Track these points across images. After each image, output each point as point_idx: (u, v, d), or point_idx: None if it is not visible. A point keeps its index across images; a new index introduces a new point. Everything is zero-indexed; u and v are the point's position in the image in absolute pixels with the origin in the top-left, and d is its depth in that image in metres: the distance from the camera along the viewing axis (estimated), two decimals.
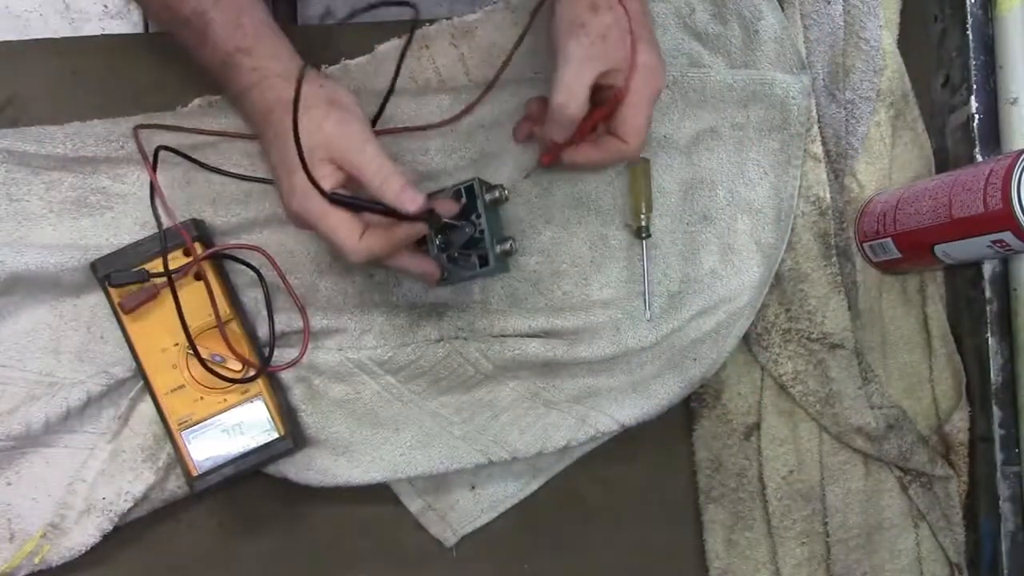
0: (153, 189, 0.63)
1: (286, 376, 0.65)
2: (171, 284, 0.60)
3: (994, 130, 0.68)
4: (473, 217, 0.60)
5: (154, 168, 0.63)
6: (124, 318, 0.62)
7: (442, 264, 0.60)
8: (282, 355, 0.65)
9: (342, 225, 0.55)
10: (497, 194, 0.62)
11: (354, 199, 0.55)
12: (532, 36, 0.69)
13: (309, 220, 0.55)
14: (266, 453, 0.63)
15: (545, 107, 0.62)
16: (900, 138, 0.72)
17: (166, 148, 0.63)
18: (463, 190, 0.61)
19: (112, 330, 0.65)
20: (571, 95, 0.58)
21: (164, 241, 0.60)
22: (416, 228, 0.56)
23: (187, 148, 0.65)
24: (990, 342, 0.67)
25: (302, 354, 0.64)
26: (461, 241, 0.60)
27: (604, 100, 0.60)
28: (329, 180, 0.55)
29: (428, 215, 0.55)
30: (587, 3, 0.58)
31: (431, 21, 0.69)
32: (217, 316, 0.62)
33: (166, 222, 0.63)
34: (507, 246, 0.62)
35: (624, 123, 0.60)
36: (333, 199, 0.54)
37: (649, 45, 0.59)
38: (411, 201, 0.54)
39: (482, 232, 0.60)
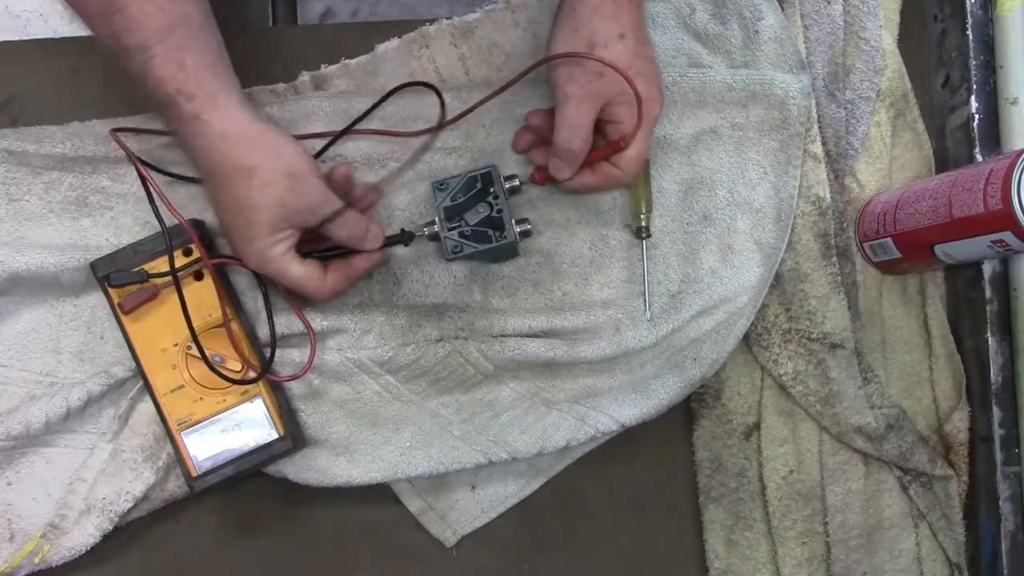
0: (148, 187, 0.63)
1: None
2: (176, 282, 0.60)
3: (994, 130, 0.68)
4: (490, 199, 0.64)
5: (140, 175, 0.63)
6: (124, 318, 0.62)
7: (452, 240, 0.64)
8: (281, 356, 0.65)
9: (305, 276, 0.59)
10: (517, 182, 0.65)
11: (326, 252, 0.61)
12: (533, 38, 0.70)
13: (270, 275, 0.59)
14: (266, 453, 0.63)
15: (545, 118, 0.64)
16: (900, 138, 0.72)
17: (142, 160, 0.63)
18: (479, 176, 0.64)
19: (112, 330, 0.65)
20: (574, 133, 0.60)
21: (168, 239, 0.60)
22: (373, 260, 0.63)
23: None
24: (990, 342, 0.67)
25: (306, 368, 0.64)
26: (475, 220, 0.64)
27: (606, 130, 0.62)
28: (289, 240, 0.58)
29: (402, 235, 0.63)
30: (584, 41, 0.58)
31: (431, 21, 0.69)
32: (225, 315, 0.62)
33: (169, 221, 0.63)
34: (525, 227, 0.65)
35: (622, 155, 0.61)
36: (309, 257, 0.60)
37: (646, 78, 0.59)
38: (374, 241, 0.61)
39: (499, 212, 0.64)
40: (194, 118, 0.54)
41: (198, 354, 0.62)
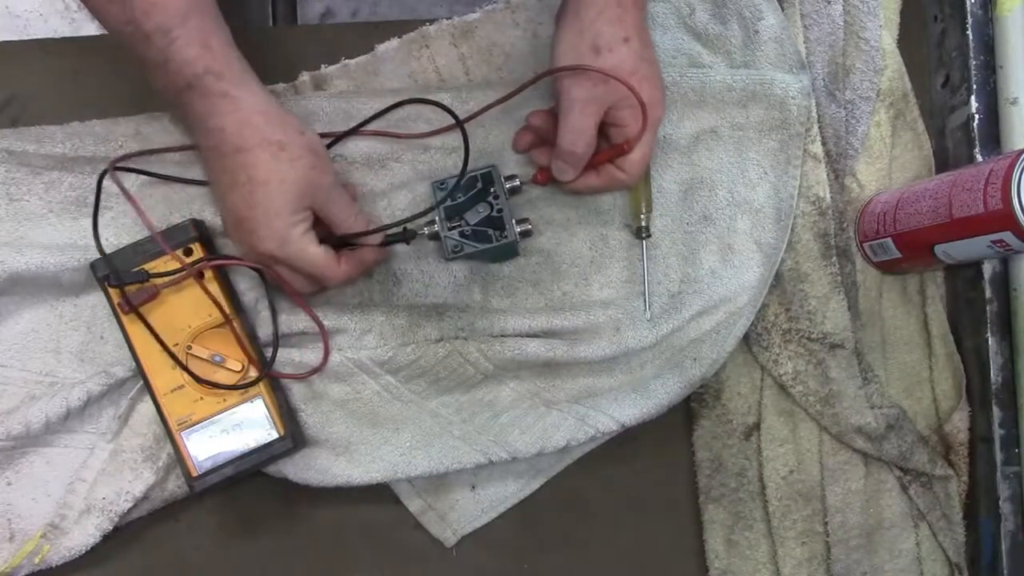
0: (96, 214, 0.62)
1: None
2: (136, 311, 0.60)
3: (994, 130, 0.68)
4: (490, 199, 0.64)
5: (98, 190, 0.63)
6: (124, 318, 0.62)
7: (452, 239, 0.63)
8: (281, 356, 0.64)
9: (323, 258, 0.59)
10: (517, 182, 0.65)
11: (350, 239, 0.61)
12: (533, 38, 0.70)
13: (288, 260, 0.59)
14: (266, 453, 0.62)
15: (546, 119, 0.64)
16: (900, 138, 0.72)
17: (120, 168, 0.64)
18: (480, 176, 0.64)
19: (112, 330, 0.65)
20: (578, 136, 0.60)
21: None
22: (380, 252, 0.63)
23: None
24: (990, 342, 0.67)
25: (322, 364, 0.64)
26: (475, 220, 0.64)
27: (609, 133, 0.62)
28: (307, 222, 0.58)
29: (404, 232, 0.62)
30: (589, 45, 0.58)
31: (431, 21, 0.69)
32: (226, 317, 0.62)
33: (168, 222, 0.63)
34: (526, 226, 0.65)
35: (626, 158, 0.62)
36: (341, 242, 0.61)
37: (649, 82, 0.60)
38: (375, 236, 0.62)
39: (500, 211, 0.64)
40: (223, 96, 0.55)
41: (198, 354, 0.62)
